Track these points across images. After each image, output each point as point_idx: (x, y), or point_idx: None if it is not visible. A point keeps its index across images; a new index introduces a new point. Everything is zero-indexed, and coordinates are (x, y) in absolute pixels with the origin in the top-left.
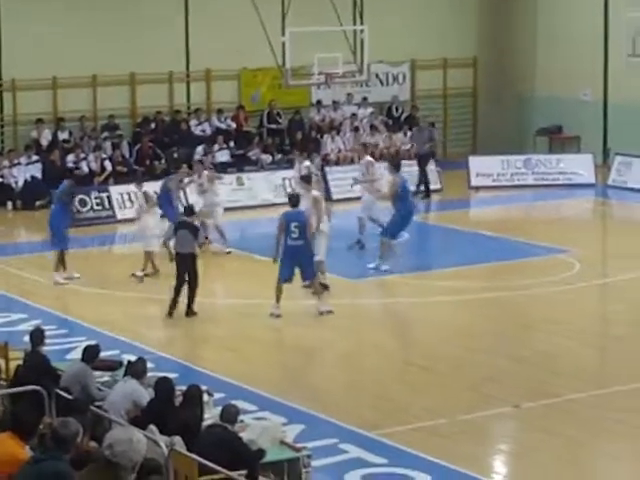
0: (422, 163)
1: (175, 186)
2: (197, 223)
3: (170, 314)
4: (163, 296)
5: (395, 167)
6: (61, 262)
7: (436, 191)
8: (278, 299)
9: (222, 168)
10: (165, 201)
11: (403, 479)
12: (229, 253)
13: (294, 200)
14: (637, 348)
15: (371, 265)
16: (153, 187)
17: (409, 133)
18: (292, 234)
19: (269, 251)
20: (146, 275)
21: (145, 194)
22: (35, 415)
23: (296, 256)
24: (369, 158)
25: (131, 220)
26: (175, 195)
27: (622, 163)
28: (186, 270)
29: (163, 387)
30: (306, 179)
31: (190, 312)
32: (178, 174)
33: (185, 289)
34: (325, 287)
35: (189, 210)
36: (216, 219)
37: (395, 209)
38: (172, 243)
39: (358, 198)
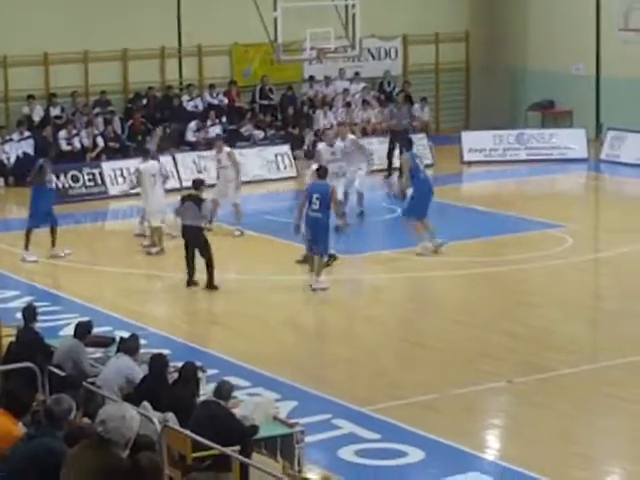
0: (394, 140)
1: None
2: (204, 196)
3: (189, 283)
4: (156, 272)
5: (406, 144)
6: (27, 240)
7: (428, 166)
8: (312, 270)
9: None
10: None
11: (396, 454)
12: (240, 235)
13: (322, 172)
14: (629, 322)
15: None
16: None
17: (386, 109)
18: (313, 205)
19: (261, 227)
20: (149, 249)
21: (137, 171)
22: (28, 392)
23: (313, 228)
24: (352, 136)
25: (125, 196)
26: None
27: (615, 138)
28: (193, 242)
29: (157, 363)
30: (308, 155)
31: (210, 286)
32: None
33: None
34: (334, 258)
35: (197, 182)
36: (233, 197)
37: (412, 188)
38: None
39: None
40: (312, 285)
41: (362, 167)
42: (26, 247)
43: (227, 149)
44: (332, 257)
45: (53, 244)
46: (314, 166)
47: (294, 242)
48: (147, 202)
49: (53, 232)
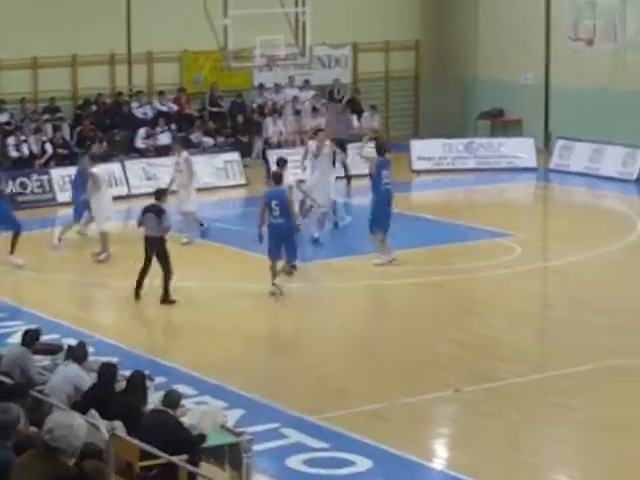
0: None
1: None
2: (164, 206)
3: (136, 295)
4: (104, 279)
5: (379, 148)
6: None
7: None
8: (274, 277)
9: (164, 151)
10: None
11: (344, 463)
12: (187, 242)
13: (277, 178)
14: (577, 331)
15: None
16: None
17: (324, 119)
18: (273, 212)
19: (211, 235)
20: (97, 257)
21: (92, 175)
22: None
23: (277, 234)
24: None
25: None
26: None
27: (563, 147)
28: (153, 253)
29: (107, 372)
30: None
31: (165, 299)
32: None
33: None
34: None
35: (159, 193)
36: (182, 204)
37: (372, 197)
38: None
39: (300, 181)
40: (273, 290)
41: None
42: None
43: (185, 154)
44: (294, 266)
45: (12, 251)
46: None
47: (245, 250)
48: (99, 206)
49: (14, 238)
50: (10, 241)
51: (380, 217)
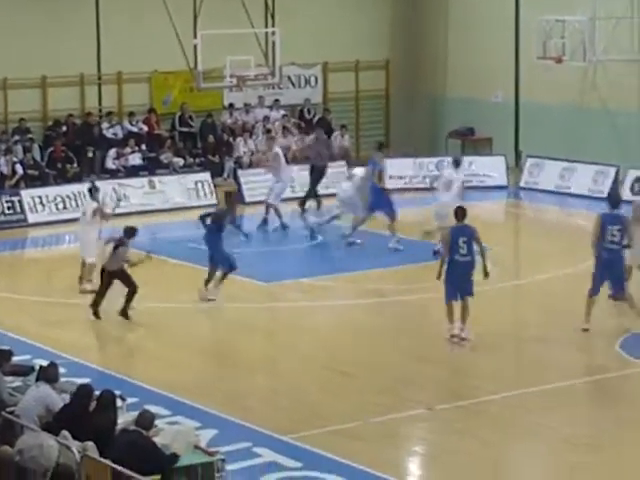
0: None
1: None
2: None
3: (95, 314)
4: (75, 300)
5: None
6: None
7: None
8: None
9: (134, 171)
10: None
11: None
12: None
13: (463, 213)
14: (549, 348)
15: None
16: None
17: (307, 139)
18: (460, 249)
19: (182, 254)
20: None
21: (95, 211)
22: None
23: (464, 272)
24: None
25: (44, 224)
26: None
27: (533, 165)
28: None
29: (82, 393)
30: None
31: (124, 312)
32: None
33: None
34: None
35: (129, 233)
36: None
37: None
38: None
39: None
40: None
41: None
42: None
43: (276, 148)
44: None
45: None
46: None
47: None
48: (88, 238)
49: None
50: None
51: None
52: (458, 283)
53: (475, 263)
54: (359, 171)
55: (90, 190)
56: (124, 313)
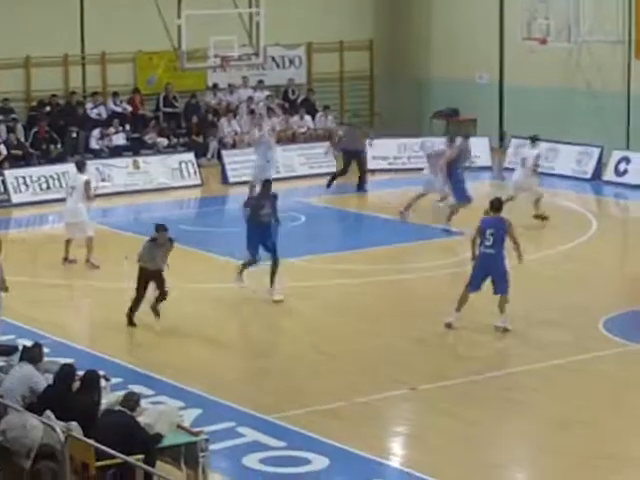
0: (349, 159)
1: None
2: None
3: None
4: (60, 281)
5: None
6: None
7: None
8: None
9: (118, 151)
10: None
11: (301, 462)
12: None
13: (498, 204)
14: (533, 329)
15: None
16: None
17: (340, 131)
18: (486, 241)
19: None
20: (70, 261)
21: (87, 183)
22: None
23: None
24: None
25: (28, 204)
26: None
27: (518, 146)
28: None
29: (64, 373)
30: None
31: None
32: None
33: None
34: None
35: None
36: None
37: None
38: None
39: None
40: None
41: None
42: None
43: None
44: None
45: None
46: None
47: (201, 250)
48: (81, 213)
49: None
50: None
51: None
52: (483, 275)
53: (500, 257)
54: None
55: (78, 164)
56: (155, 310)
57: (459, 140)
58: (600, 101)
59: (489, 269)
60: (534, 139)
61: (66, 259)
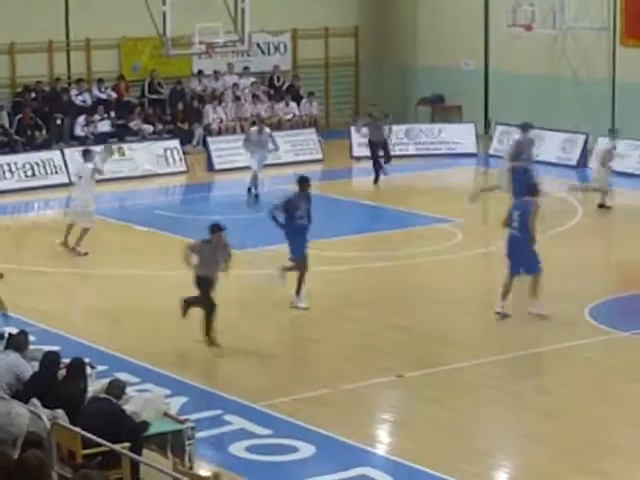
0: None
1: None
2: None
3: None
4: (44, 268)
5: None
6: None
7: (318, 161)
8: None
9: (103, 138)
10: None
11: (287, 450)
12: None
13: (533, 189)
14: (518, 317)
15: None
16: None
17: (363, 128)
18: (513, 222)
19: (150, 222)
20: (66, 245)
21: (96, 169)
22: None
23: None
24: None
25: (13, 191)
26: None
27: (503, 132)
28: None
29: (49, 360)
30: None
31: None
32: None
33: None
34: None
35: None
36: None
37: None
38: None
39: (241, 168)
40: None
41: None
42: None
43: None
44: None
45: None
46: None
47: (185, 237)
48: (87, 203)
49: None
50: None
51: None
52: (516, 257)
53: (525, 239)
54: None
55: (84, 153)
56: (208, 338)
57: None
58: (585, 88)
59: (515, 250)
60: (612, 132)
61: (65, 244)
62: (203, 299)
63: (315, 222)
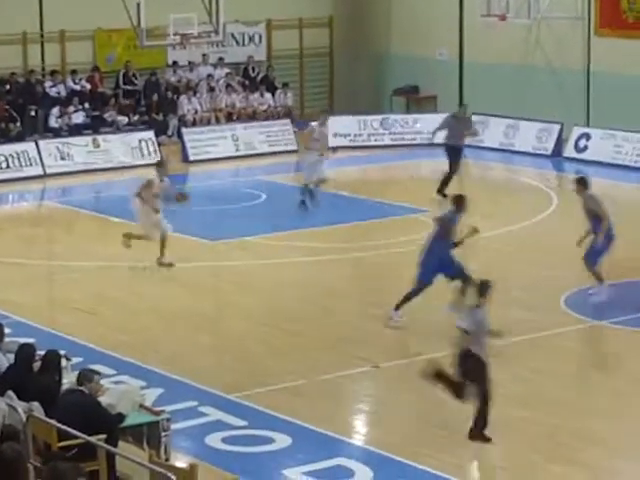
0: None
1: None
2: None
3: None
4: (19, 260)
5: None
6: None
7: (292, 152)
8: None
9: (77, 130)
10: None
11: (263, 441)
12: None
13: (581, 182)
14: (493, 307)
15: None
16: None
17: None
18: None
19: (126, 213)
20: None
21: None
22: None
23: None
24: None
25: (1, 182)
26: None
27: (478, 122)
28: None
29: (24, 353)
30: None
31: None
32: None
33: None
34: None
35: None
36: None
37: None
38: None
39: (215, 159)
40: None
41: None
42: None
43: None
44: None
45: None
46: None
47: None
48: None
49: None
50: None
51: None
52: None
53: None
54: None
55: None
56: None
57: None
58: (560, 77)
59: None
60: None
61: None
62: None
63: (288, 213)
